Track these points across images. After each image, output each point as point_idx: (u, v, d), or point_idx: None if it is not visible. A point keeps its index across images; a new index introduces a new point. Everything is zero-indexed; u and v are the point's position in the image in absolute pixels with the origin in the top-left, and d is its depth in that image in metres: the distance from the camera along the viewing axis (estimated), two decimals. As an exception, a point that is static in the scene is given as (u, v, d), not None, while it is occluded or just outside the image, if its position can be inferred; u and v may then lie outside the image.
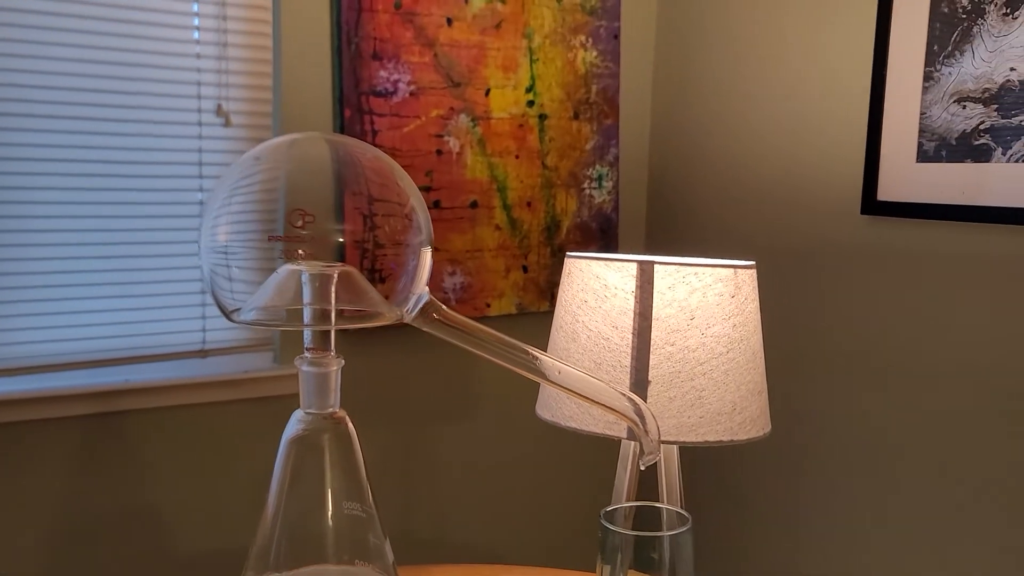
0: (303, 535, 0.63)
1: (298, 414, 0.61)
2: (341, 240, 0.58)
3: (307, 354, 0.60)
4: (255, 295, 0.59)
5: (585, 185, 1.84)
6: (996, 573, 1.39)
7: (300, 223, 0.56)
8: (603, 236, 1.87)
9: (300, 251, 0.58)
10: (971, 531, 1.42)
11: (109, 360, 1.41)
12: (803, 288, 1.63)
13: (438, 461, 1.76)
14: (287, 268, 0.58)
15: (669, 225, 1.94)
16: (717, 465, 1.83)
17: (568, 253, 0.93)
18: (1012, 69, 1.28)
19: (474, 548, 1.83)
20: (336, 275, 0.59)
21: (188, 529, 1.49)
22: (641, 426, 0.63)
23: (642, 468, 0.65)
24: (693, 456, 1.87)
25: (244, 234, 0.57)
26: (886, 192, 1.44)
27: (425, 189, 1.65)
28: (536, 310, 1.79)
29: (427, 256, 0.63)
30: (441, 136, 1.66)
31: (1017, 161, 1.27)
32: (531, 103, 1.76)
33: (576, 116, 1.82)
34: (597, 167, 1.85)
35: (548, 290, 1.82)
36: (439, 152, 1.66)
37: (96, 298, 1.40)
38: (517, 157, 1.75)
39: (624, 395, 0.64)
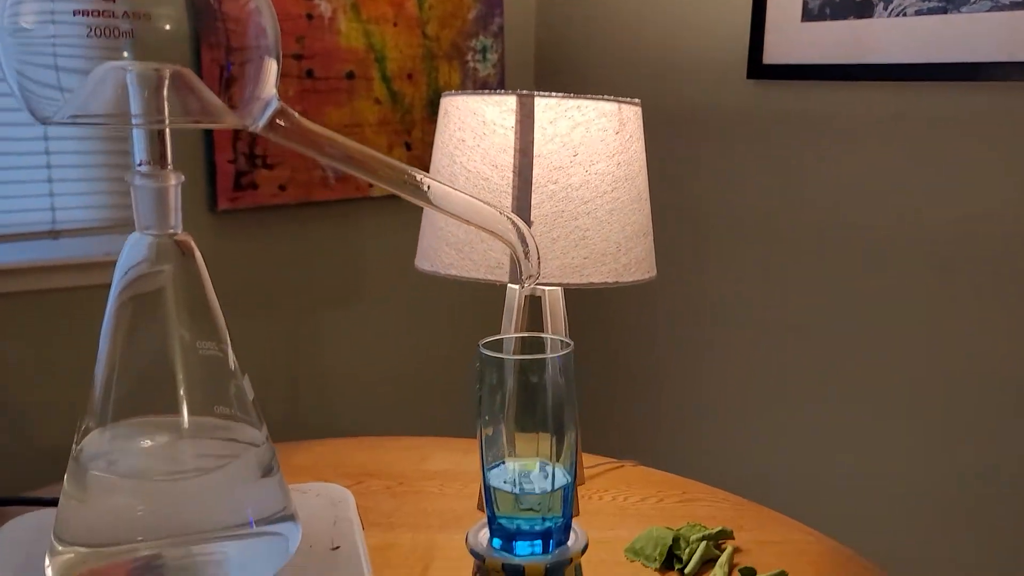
0: (148, 382, 0.56)
1: (133, 237, 0.54)
2: (168, 29, 0.50)
3: (141, 168, 0.53)
4: (71, 98, 0.50)
5: (468, 57, 1.76)
6: (881, 427, 1.45)
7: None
8: (489, 113, 1.80)
9: (123, 52, 0.49)
10: (847, 384, 1.47)
11: (-57, 241, 1.28)
12: (690, 155, 1.62)
13: (323, 345, 1.70)
14: (109, 65, 0.50)
15: (556, 102, 1.88)
16: (601, 312, 1.83)
17: (444, 93, 0.87)
18: (895, -79, 1.26)
19: (365, 428, 1.80)
20: (168, 76, 0.52)
21: (44, 428, 1.39)
22: (521, 248, 0.59)
23: (524, 291, 0.61)
24: (577, 302, 1.87)
25: (51, 13, 0.48)
26: (772, 55, 1.42)
27: (296, 56, 1.53)
28: (421, 189, 1.73)
29: (272, 64, 0.56)
30: (311, -3, 1.54)
31: (898, 15, 1.27)
32: (409, -35, 1.65)
33: (457, -19, 1.73)
34: (481, 38, 1.77)
35: (433, 169, 1.75)
36: (309, 16, 1.54)
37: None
38: (395, 25, 1.65)
39: (503, 214, 0.59)
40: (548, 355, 0.58)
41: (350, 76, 1.60)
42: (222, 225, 1.52)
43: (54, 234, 1.36)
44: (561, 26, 1.84)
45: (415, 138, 1.71)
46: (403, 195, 0.59)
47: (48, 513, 0.65)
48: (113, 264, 1.38)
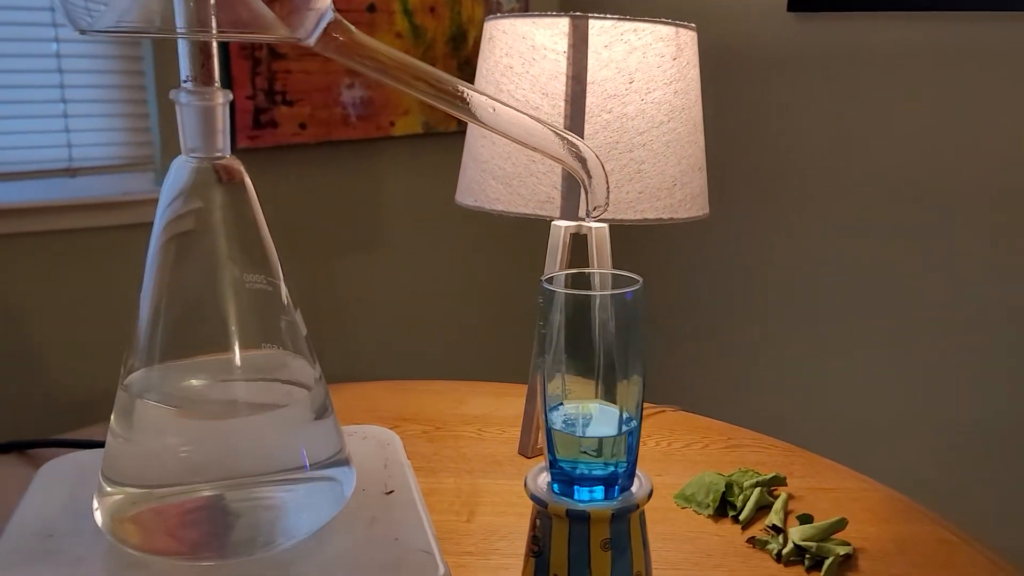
0: (195, 317, 0.53)
1: (179, 160, 0.50)
2: (217, -72, 0.45)
3: (186, 84, 0.49)
4: (112, 4, 0.46)
5: (493, -10, 1.69)
6: (912, 378, 1.42)
7: None
8: (512, 50, 1.74)
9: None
10: (899, 331, 1.44)
11: (-43, 178, 1.24)
12: (727, 90, 1.56)
13: (343, 288, 1.67)
14: (149, -30, 0.46)
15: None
16: (641, 251, 1.79)
17: (488, 16, 0.82)
18: None
19: (385, 372, 1.78)
20: (214, -18, 0.47)
21: (61, 370, 1.36)
22: (584, 172, 0.55)
23: (588, 223, 0.57)
24: (617, 239, 1.82)
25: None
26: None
27: (316, -12, 1.47)
28: (444, 130, 1.68)
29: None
30: (331, -74, 1.47)
31: (953, -57, 1.21)
32: None
33: (482, -90, 1.65)
34: (505, -29, 1.70)
35: (455, 108, 1.70)
36: (330, -55, 1.48)
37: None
38: (418, -45, 1.58)
39: (563, 136, 0.55)
40: (621, 290, 0.54)
41: (371, 9, 1.54)
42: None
43: (71, 172, 1.32)
44: (588, -41, 1.77)
45: (437, 76, 1.65)
46: (460, 116, 0.54)
47: (84, 455, 0.63)
48: (130, 203, 1.34)
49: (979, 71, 1.25)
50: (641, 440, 0.92)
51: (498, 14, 0.81)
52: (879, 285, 1.42)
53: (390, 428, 0.92)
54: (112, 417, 0.52)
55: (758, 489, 0.78)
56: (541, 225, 0.79)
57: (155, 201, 1.35)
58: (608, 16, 0.75)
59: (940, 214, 1.33)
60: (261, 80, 1.44)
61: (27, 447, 0.80)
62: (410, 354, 1.77)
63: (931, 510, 0.78)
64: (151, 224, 1.49)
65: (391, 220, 1.68)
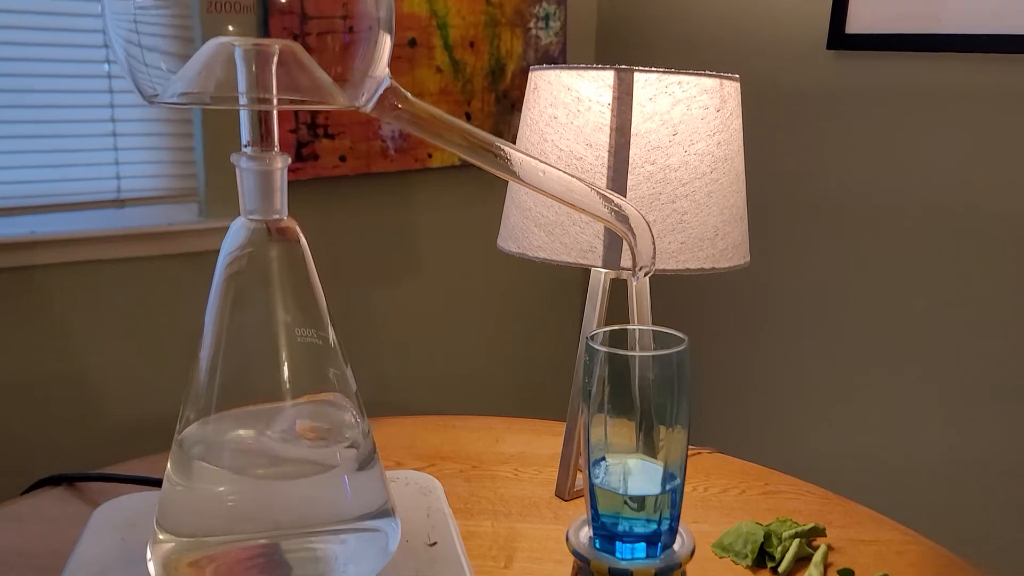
0: (249, 369, 0.54)
1: (239, 222, 0.52)
2: (284, 3, 0.47)
3: (247, 149, 0.50)
4: (177, 75, 0.48)
5: (531, 25, 1.71)
6: (962, 407, 1.41)
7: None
8: (550, 82, 1.76)
9: (231, 27, 0.47)
10: (942, 375, 1.43)
11: (12, 209, 1.27)
12: (765, 129, 1.57)
13: (380, 318, 1.68)
14: (216, 42, 0.48)
15: (619, 72, 1.83)
16: (680, 295, 1.79)
17: (533, 67, 0.83)
18: None
19: (420, 405, 1.80)
20: (277, 51, 0.49)
21: (109, 397, 1.39)
22: (629, 233, 0.56)
23: (635, 282, 0.58)
24: (656, 283, 1.82)
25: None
26: (855, 23, 1.36)
27: (359, 24, 1.50)
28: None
29: (387, 39, 0.53)
30: (375, -36, 1.50)
31: (996, -14, 1.20)
32: (473, -71, 1.61)
33: (522, -54, 1.68)
34: (544, 5, 1.72)
35: (493, 140, 1.72)
36: (373, -18, 1.51)
37: (-8, 139, 1.24)
38: (459, -9, 1.61)
39: (608, 198, 0.56)
40: (667, 351, 0.55)
41: (412, 43, 1.57)
42: (282, 195, 1.50)
43: (119, 203, 1.35)
44: (626, -7, 1.79)
45: (475, 108, 1.67)
46: (507, 176, 0.55)
47: (137, 499, 0.64)
48: (174, 234, 1.37)
49: (1019, 112, 1.24)
50: (679, 486, 0.92)
51: (544, 65, 0.82)
52: (920, 327, 1.40)
53: (428, 466, 0.93)
54: (168, 465, 0.53)
55: (797, 540, 0.77)
56: (583, 273, 0.79)
57: (198, 231, 1.38)
58: (653, 69, 0.76)
59: (986, 256, 1.32)
60: (304, 113, 1.47)
61: (76, 480, 0.82)
62: (445, 384, 1.79)
63: (974, 566, 0.77)
64: (194, 254, 1.52)
65: (427, 250, 1.70)
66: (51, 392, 1.33)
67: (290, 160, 0.52)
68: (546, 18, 1.71)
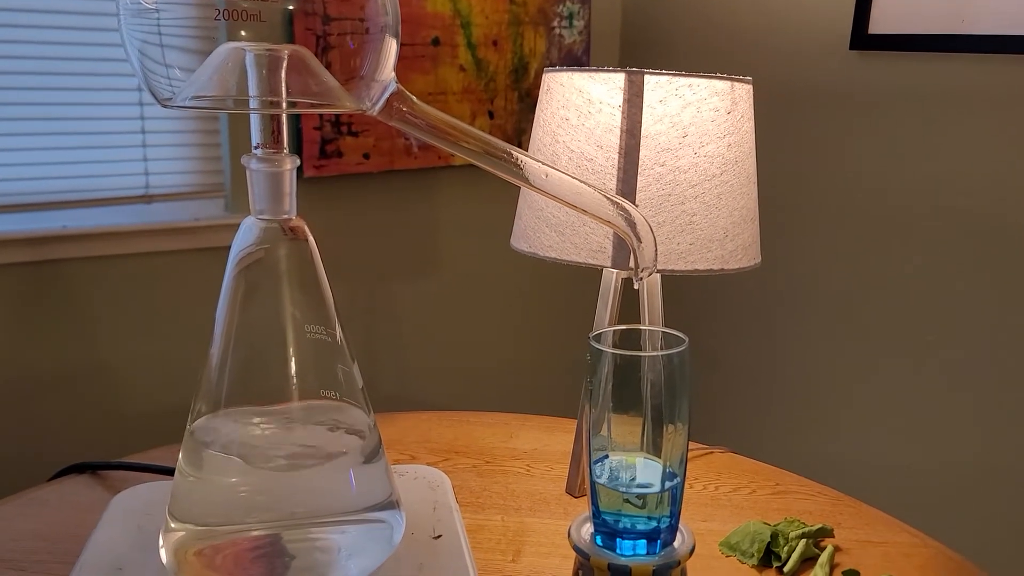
0: (258, 365, 0.56)
1: (248, 221, 0.54)
2: (291, 8, 0.49)
3: (256, 151, 0.52)
4: (191, 79, 0.50)
5: (555, 24, 1.72)
6: (975, 410, 1.40)
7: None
8: (573, 81, 1.76)
9: (243, 32, 0.48)
10: (955, 378, 1.41)
11: (44, 204, 1.31)
12: (788, 130, 1.56)
13: (401, 317, 1.70)
14: (228, 47, 0.49)
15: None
16: (691, 295, 1.79)
17: (547, 68, 0.84)
18: None
19: (439, 401, 1.81)
20: (286, 57, 0.50)
21: (134, 387, 1.43)
22: (634, 236, 0.57)
23: (635, 287, 0.59)
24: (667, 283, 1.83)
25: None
26: (878, 24, 1.35)
27: (383, 23, 1.52)
28: (503, 158, 1.71)
29: (392, 43, 0.54)
30: (399, -37, 1.52)
31: (1022, -15, 1.19)
32: (497, -71, 1.62)
33: (546, -55, 1.68)
34: (567, 4, 1.72)
35: (515, 138, 1.73)
36: (398, -19, 1.52)
37: (29, 135, 1.28)
38: (482, -10, 1.62)
39: (613, 201, 0.57)
40: (669, 351, 0.56)
41: (435, 42, 1.58)
42: (307, 193, 1.52)
43: (147, 199, 1.38)
44: (650, -8, 1.79)
45: (498, 107, 1.68)
46: (514, 180, 0.57)
47: (153, 488, 0.66)
48: (201, 229, 1.40)
49: (1048, 114, 1.22)
50: (688, 483, 0.92)
51: (556, 66, 0.83)
52: (936, 330, 1.39)
53: (441, 461, 0.95)
54: (180, 455, 0.55)
55: (804, 540, 0.78)
56: (593, 272, 0.80)
57: (225, 226, 1.41)
58: (663, 72, 0.76)
59: (1008, 262, 1.30)
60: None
61: (99, 468, 0.85)
62: (462, 379, 1.80)
63: (982, 570, 0.77)
64: (220, 248, 1.55)
65: (449, 247, 1.72)
66: (79, 382, 1.37)
67: (299, 161, 0.53)
68: (570, 17, 1.72)
